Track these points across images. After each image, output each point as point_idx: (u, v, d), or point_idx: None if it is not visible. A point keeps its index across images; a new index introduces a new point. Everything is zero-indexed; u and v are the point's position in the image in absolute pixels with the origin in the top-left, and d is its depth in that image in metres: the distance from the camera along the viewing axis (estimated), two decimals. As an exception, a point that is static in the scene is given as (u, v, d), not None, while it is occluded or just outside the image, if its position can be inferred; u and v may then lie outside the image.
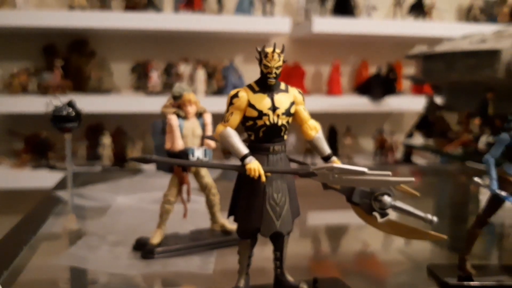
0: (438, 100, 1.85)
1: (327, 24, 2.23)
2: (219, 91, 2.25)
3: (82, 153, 2.11)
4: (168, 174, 0.87)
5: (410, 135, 2.41)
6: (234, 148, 0.61)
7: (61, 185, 1.30)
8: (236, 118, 0.62)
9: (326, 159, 0.67)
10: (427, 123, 1.84)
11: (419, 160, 2.37)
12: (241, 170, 0.61)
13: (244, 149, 0.62)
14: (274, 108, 0.63)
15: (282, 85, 0.66)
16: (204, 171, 0.89)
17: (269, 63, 0.62)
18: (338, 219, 1.25)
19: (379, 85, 2.37)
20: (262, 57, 0.63)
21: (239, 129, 0.77)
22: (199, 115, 0.85)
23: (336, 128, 2.43)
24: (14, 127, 2.20)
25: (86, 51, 2.25)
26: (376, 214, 0.62)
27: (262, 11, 2.29)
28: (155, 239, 0.84)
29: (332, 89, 2.40)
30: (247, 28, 2.17)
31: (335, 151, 2.40)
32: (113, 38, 2.32)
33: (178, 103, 0.85)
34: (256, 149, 0.63)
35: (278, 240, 0.66)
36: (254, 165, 0.60)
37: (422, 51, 1.76)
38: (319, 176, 0.62)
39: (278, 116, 0.63)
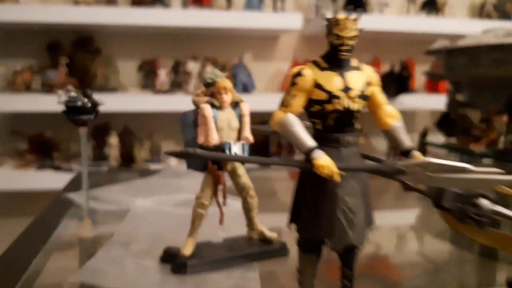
0: (459, 97, 1.77)
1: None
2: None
3: (88, 153, 2.04)
4: (193, 174, 0.77)
5: (424, 134, 2.35)
6: (297, 139, 0.50)
7: (72, 186, 1.21)
8: (299, 102, 0.52)
9: (406, 153, 0.55)
10: (449, 121, 1.76)
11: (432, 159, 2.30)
12: (308, 167, 0.49)
13: (310, 141, 0.50)
14: (346, 89, 0.52)
15: (354, 61, 0.55)
16: (241, 170, 0.77)
17: (341, 32, 0.52)
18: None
19: (393, 83, 2.30)
20: (332, 25, 0.52)
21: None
22: (235, 104, 0.74)
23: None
24: (18, 127, 2.13)
25: (91, 48, 2.19)
26: (471, 221, 0.51)
27: (273, 7, 2.22)
28: (187, 250, 0.73)
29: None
30: (257, 25, 2.11)
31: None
32: (119, 35, 2.26)
33: (211, 91, 0.74)
34: (324, 140, 0.51)
35: (349, 255, 0.54)
36: (325, 161, 0.48)
37: (444, 46, 1.68)
38: (409, 174, 0.49)
39: (351, 99, 0.52)
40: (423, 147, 2.34)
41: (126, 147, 2.07)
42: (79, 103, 0.77)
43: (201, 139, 0.72)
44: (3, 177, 1.91)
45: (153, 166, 2.07)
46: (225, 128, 0.73)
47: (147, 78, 2.17)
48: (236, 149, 0.72)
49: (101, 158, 2.07)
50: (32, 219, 1.00)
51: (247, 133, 0.73)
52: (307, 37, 2.46)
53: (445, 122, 1.79)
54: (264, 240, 0.80)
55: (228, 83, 0.73)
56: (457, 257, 0.91)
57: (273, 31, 2.24)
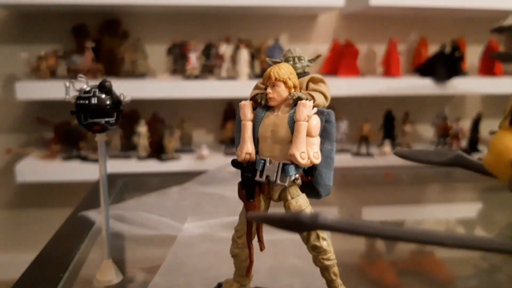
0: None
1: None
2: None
3: (116, 143, 1.93)
4: (235, 181, 0.54)
5: (477, 120, 2.14)
6: None
7: (90, 200, 0.98)
8: None
9: None
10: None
11: (485, 149, 2.11)
12: None
13: None
14: None
15: None
16: (295, 202, 0.50)
17: None
18: (394, 215, 1.09)
19: (444, 65, 2.09)
20: None
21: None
22: (295, 103, 0.49)
23: (393, 114, 2.17)
24: (43, 115, 2.03)
25: (118, 31, 2.06)
26: None
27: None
28: None
29: (389, 69, 2.13)
30: (294, 2, 1.93)
31: (393, 139, 2.15)
32: (147, 16, 2.12)
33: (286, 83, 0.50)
34: None
35: None
36: None
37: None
38: None
39: None
40: (475, 136, 2.14)
41: (156, 136, 1.95)
42: (94, 101, 0.56)
43: (237, 151, 0.51)
44: (28, 167, 1.82)
45: (184, 156, 1.95)
46: (268, 138, 0.50)
47: (177, 63, 2.03)
48: (271, 172, 0.49)
49: (130, 148, 1.96)
50: (64, 213, 0.86)
51: (295, 148, 0.48)
52: (348, 16, 2.26)
53: None
54: None
55: (276, 71, 0.50)
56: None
57: (311, 9, 2.05)
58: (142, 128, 1.91)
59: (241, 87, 1.89)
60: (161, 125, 2.01)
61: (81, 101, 0.57)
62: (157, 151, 1.93)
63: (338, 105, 2.10)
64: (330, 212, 0.46)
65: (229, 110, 2.15)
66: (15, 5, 1.83)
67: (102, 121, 0.57)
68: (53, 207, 2.11)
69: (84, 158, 1.88)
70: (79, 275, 0.69)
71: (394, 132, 2.17)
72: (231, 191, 0.98)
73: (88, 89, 0.58)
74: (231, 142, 2.04)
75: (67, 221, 0.89)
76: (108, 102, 0.57)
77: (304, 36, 2.26)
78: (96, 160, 1.85)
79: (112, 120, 0.58)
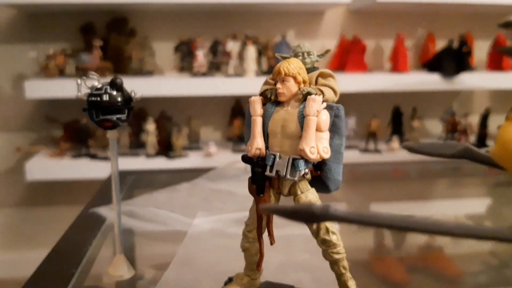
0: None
1: (393, -8, 1.96)
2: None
3: (124, 141, 1.94)
4: (245, 177, 0.55)
5: (486, 116, 2.14)
6: None
7: (101, 197, 1.00)
8: None
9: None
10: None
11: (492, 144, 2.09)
12: None
13: None
14: None
15: None
16: (305, 196, 0.50)
17: None
18: (402, 210, 1.09)
19: (451, 60, 2.08)
20: None
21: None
22: (305, 98, 0.50)
23: (401, 109, 2.17)
24: (52, 113, 2.05)
25: (126, 29, 2.07)
26: None
27: (318, -21, 2.03)
28: None
29: (397, 65, 2.13)
30: (301, -1, 1.93)
31: (401, 135, 2.15)
32: (154, 14, 2.13)
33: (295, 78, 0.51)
34: None
35: None
36: None
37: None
38: None
39: None
40: (483, 131, 2.13)
41: (164, 134, 1.96)
42: (105, 98, 0.57)
43: (247, 147, 0.52)
44: (38, 166, 1.83)
45: (192, 154, 1.95)
46: (278, 133, 0.50)
47: (184, 60, 2.03)
48: (281, 167, 0.49)
49: (138, 145, 1.97)
50: (73, 211, 0.87)
51: (304, 143, 0.48)
52: (355, 12, 2.26)
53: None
54: None
55: (286, 66, 0.50)
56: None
57: (318, 5, 2.05)
58: (150, 126, 1.92)
59: (248, 84, 1.89)
60: (168, 123, 2.02)
61: (92, 98, 0.58)
62: (165, 148, 1.94)
63: (346, 101, 2.10)
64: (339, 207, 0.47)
65: (236, 107, 2.15)
66: (23, 5, 1.84)
67: (114, 117, 0.58)
68: (62, 204, 2.13)
69: (93, 156, 1.89)
70: (91, 271, 0.70)
71: (402, 128, 2.17)
72: (240, 187, 0.98)
73: (99, 86, 0.59)
74: (238, 139, 2.04)
75: (79, 217, 0.90)
76: (119, 99, 0.58)
77: (311, 32, 2.26)
78: (104, 158, 1.86)
79: (123, 116, 0.59)
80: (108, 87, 0.58)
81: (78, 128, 1.93)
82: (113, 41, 2.01)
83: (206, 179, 1.14)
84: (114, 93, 0.58)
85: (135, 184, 1.20)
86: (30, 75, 2.03)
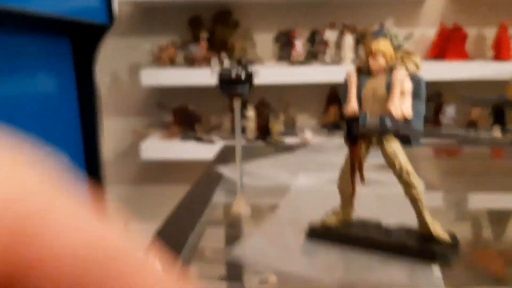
0: None
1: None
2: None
3: (226, 126, 2.09)
4: (342, 151, 0.68)
5: None
6: None
7: (220, 159, 1.17)
8: None
9: None
10: None
11: None
12: None
13: None
14: None
15: None
16: (390, 146, 0.62)
17: None
18: (503, 203, 1.03)
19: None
20: None
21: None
22: (391, 70, 0.62)
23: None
24: (162, 100, 2.25)
25: (230, 22, 2.21)
26: None
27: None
28: (330, 220, 0.68)
29: (500, 53, 2.06)
30: (401, -13, 1.94)
31: (503, 124, 2.08)
32: (256, 6, 2.25)
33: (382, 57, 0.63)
34: None
35: None
36: None
37: None
38: None
39: None
40: None
41: (262, 120, 2.08)
42: (233, 75, 0.73)
43: (345, 109, 0.64)
44: (151, 147, 2.04)
45: (288, 140, 2.05)
46: (369, 97, 0.63)
47: (283, 50, 2.14)
48: (372, 123, 0.61)
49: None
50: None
51: (391, 104, 0.60)
52: (456, 0, 2.22)
53: None
54: (430, 237, 0.62)
55: (382, 46, 0.62)
56: None
57: (418, -7, 2.05)
58: (250, 112, 2.05)
59: (345, 72, 1.94)
60: (267, 110, 2.13)
61: (224, 77, 0.74)
62: (263, 133, 2.06)
63: (446, 89, 2.08)
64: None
65: (332, 94, 2.21)
66: (140, 2, 2.06)
67: (239, 89, 0.74)
68: (173, 183, 2.33)
69: (199, 139, 2.06)
70: (217, 212, 0.87)
71: (504, 117, 2.09)
72: (337, 157, 1.09)
73: (229, 66, 0.73)
74: (333, 127, 2.10)
75: (203, 176, 1.06)
76: (243, 76, 0.72)
77: (410, 21, 2.25)
78: (209, 141, 2.02)
79: (245, 88, 0.75)
80: (236, 65, 0.71)
81: (186, 113, 2.11)
82: (218, 32, 2.16)
83: (305, 151, 1.25)
84: (240, 71, 0.71)
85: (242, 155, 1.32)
86: (145, 65, 2.25)
